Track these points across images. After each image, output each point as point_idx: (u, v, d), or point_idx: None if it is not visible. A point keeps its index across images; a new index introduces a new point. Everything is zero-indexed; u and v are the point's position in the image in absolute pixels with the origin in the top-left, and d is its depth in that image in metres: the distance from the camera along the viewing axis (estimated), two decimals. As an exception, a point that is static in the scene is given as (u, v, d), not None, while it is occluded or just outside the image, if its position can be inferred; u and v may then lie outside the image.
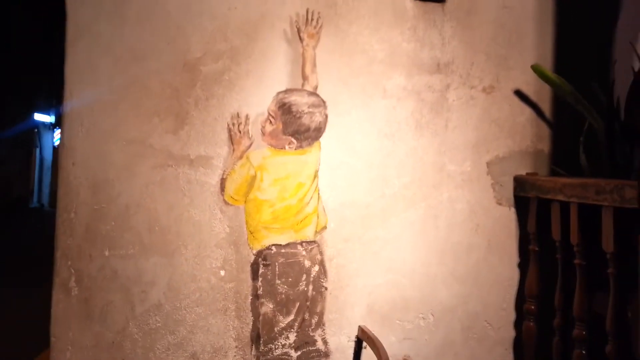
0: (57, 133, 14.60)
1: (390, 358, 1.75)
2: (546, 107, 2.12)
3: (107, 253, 2.01)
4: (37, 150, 14.00)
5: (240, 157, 2.04)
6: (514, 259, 2.10)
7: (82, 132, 2.02)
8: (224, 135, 2.04)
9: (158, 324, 2.00)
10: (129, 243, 2.01)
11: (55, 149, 14.38)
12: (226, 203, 2.04)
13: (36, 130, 13.80)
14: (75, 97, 2.02)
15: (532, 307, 1.98)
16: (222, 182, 2.04)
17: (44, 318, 2.00)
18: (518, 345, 2.07)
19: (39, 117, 13.40)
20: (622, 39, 2.09)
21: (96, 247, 2.01)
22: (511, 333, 2.10)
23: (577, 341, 1.71)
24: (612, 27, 2.16)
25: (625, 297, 1.61)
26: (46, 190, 13.91)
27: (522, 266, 2.09)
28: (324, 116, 2.06)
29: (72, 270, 2.00)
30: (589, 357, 1.71)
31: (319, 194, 2.06)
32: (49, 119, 14.04)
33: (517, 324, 2.08)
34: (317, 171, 2.06)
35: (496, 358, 2.09)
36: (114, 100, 2.02)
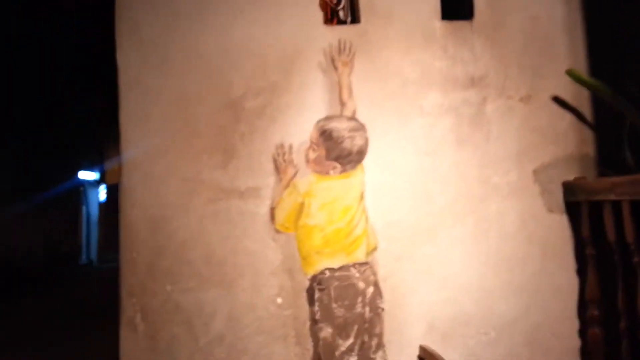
0: (102, 189, 15.18)
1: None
2: (586, 110, 2.13)
3: (168, 288, 2.09)
4: (84, 207, 14.53)
5: (287, 186, 2.11)
6: (571, 265, 2.07)
7: (139, 175, 2.14)
8: (270, 166, 2.12)
9: (222, 355, 2.05)
10: (188, 277, 2.09)
11: (102, 205, 14.90)
12: (277, 231, 2.10)
13: (82, 187, 14.37)
14: (131, 145, 2.16)
15: (596, 313, 1.93)
16: (272, 211, 2.11)
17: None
18: (585, 354, 2.01)
19: (84, 174, 13.99)
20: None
21: (158, 283, 2.09)
22: (577, 342, 2.04)
23: (648, 342, 1.66)
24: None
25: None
26: (94, 246, 14.33)
27: (580, 272, 2.05)
28: (365, 139, 2.11)
29: (138, 307, 2.08)
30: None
31: (366, 215, 2.10)
32: (94, 176, 14.63)
33: (582, 332, 2.02)
34: (362, 193, 2.11)
35: (564, 369, 2.03)
36: (166, 144, 2.15)
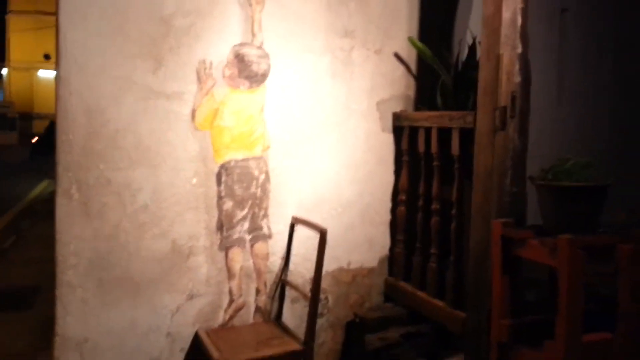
0: None
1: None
2: (413, 65, 3.12)
3: (101, 166, 2.54)
4: None
5: (207, 94, 2.69)
6: (392, 167, 3.12)
7: (75, 68, 2.47)
8: (193, 76, 2.66)
9: (146, 219, 2.62)
10: (119, 159, 2.56)
11: None
12: (196, 129, 2.69)
13: None
14: (68, 40, 2.46)
15: (404, 197, 3.03)
16: (193, 112, 2.68)
17: None
18: (393, 224, 3.13)
19: None
20: (464, 20, 3.19)
21: (92, 162, 2.52)
22: (389, 217, 3.14)
23: (434, 212, 2.78)
24: (454, 10, 3.23)
25: (464, 185, 2.68)
26: None
27: (397, 172, 3.11)
28: (268, 65, 2.80)
29: (73, 180, 2.49)
30: (441, 224, 2.78)
31: (264, 122, 2.82)
32: None
33: (393, 210, 3.13)
34: (263, 106, 2.81)
35: (380, 233, 3.12)
36: (102, 44, 2.50)
